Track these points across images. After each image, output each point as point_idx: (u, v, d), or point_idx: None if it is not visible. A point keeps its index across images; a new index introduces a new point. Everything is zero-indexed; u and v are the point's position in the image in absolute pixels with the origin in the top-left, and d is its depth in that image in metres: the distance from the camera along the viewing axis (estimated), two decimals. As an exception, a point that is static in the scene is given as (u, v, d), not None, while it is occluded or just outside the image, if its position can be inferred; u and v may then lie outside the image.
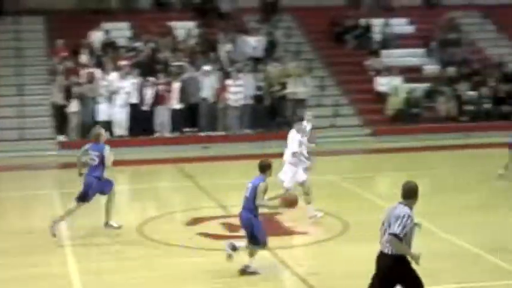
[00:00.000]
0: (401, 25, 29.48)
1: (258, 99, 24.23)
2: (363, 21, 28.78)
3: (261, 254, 12.45)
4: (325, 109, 25.39)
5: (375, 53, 27.45)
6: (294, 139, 14.82)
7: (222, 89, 23.91)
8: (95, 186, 13.24)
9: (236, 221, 14.49)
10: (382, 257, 8.32)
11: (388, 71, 26.05)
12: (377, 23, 28.82)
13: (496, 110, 25.69)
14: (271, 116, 24.25)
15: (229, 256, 11.26)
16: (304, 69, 25.36)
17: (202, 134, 23.97)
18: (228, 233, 13.79)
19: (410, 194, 8.34)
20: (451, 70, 26.60)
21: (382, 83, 25.84)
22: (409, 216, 8.12)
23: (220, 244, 13.03)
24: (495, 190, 17.31)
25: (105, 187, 13.37)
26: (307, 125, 15.73)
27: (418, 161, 21.57)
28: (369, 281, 11.23)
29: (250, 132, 24.17)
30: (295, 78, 24.47)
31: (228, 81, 23.95)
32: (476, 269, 11.62)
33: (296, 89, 24.32)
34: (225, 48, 25.78)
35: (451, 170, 20.22)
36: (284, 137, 24.69)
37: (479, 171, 19.53)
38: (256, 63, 25.54)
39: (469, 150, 23.01)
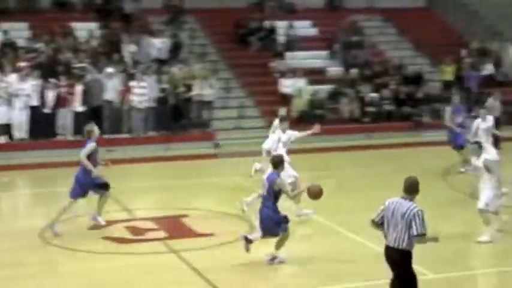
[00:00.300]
0: (305, 27, 29.78)
1: (162, 101, 24.01)
2: (267, 24, 28.92)
3: (168, 257, 12.36)
4: (230, 111, 25.40)
5: (279, 55, 27.62)
6: (274, 138, 15.15)
7: (126, 90, 23.58)
8: (90, 181, 13.66)
9: (141, 224, 14.38)
10: (391, 251, 8.81)
11: (293, 72, 26.24)
12: (281, 25, 29.00)
13: (397, 111, 26.25)
14: (176, 118, 24.07)
15: (247, 249, 11.70)
16: (209, 71, 25.27)
17: (106, 136, 23.53)
18: (132, 237, 13.59)
19: (412, 188, 8.86)
20: (354, 72, 27.02)
21: (286, 85, 26.01)
22: (421, 211, 8.63)
23: (125, 248, 12.84)
24: (396, 189, 17.60)
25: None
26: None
27: (322, 162, 21.79)
28: (275, 280, 11.34)
29: (154, 134, 23.93)
30: (201, 80, 24.37)
31: (132, 83, 23.63)
32: (381, 267, 11.78)
33: (202, 91, 24.21)
34: (128, 50, 25.46)
35: (354, 170, 20.51)
36: (190, 139, 24.75)
37: (382, 171, 19.89)
38: (160, 64, 25.30)
39: (371, 151, 23.40)
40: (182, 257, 12.19)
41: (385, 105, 26.14)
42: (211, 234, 13.66)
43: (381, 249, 12.28)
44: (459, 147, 19.39)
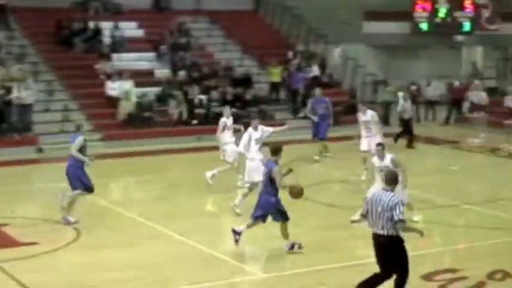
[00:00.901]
0: (131, 28, 29.18)
1: (-21, 104, 22.67)
2: (91, 24, 28.07)
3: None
4: (53, 114, 24.38)
5: (105, 57, 26.89)
6: (245, 137, 15.36)
7: None
8: (80, 174, 13.97)
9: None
10: (378, 237, 9.50)
11: (119, 74, 25.63)
12: (106, 26, 28.24)
13: (225, 113, 26.22)
14: (-6, 122, 22.81)
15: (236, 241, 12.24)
16: (26, 73, 24.07)
17: None
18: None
19: (392, 180, 9.63)
20: (182, 74, 26.79)
21: (113, 87, 25.35)
22: (401, 202, 9.51)
23: None
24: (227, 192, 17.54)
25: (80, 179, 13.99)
26: (227, 120, 17.29)
27: (151, 165, 21.38)
28: (104, 285, 10.86)
29: (-29, 140, 22.55)
30: (19, 82, 23.19)
31: None
32: (211, 269, 11.66)
33: (21, 93, 23.05)
34: None
35: (184, 173, 20.29)
36: (11, 144, 23.52)
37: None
38: (-25, 66, 23.92)
39: (201, 153, 23.15)
40: (3, 268, 11.51)
41: (213, 107, 26.07)
42: (35, 243, 12.98)
43: (212, 251, 12.29)
44: (321, 138, 21.23)
